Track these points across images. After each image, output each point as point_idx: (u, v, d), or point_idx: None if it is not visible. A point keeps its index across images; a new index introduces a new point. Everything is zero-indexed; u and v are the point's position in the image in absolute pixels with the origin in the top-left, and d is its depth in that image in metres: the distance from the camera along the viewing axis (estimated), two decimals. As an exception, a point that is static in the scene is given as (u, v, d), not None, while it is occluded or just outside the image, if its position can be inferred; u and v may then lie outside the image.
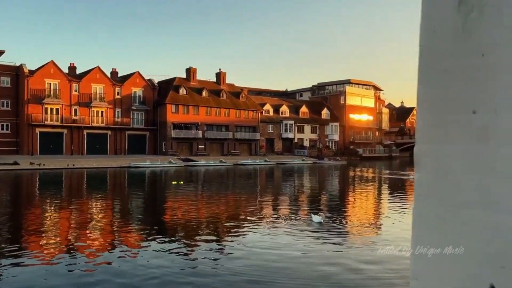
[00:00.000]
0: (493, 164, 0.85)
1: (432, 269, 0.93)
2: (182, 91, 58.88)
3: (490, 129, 0.86)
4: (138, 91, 58.14)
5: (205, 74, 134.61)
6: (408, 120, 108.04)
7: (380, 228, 13.22)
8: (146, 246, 10.28)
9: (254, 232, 11.96)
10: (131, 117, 57.43)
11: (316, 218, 13.14)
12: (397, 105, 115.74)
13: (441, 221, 0.92)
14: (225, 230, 12.51)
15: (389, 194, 24.13)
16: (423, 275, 0.95)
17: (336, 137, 74.69)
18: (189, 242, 10.83)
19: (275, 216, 14.74)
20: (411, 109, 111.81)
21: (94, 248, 10.14)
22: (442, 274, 0.92)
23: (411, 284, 0.96)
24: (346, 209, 17.39)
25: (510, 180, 0.82)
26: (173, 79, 61.14)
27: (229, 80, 68.80)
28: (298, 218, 14.22)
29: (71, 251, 9.77)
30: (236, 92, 65.38)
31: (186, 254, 9.58)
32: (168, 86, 59.69)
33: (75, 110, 53.49)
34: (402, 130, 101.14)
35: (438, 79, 0.94)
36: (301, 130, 71.58)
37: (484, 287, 0.85)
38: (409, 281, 0.96)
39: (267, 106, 68.69)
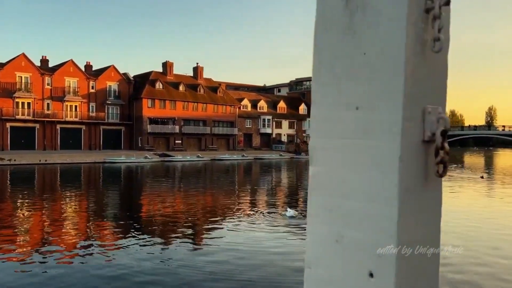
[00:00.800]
0: (373, 158, 0.89)
1: (322, 258, 0.97)
2: (159, 85, 58.10)
3: (371, 124, 0.89)
4: (113, 85, 57.05)
5: (182, 69, 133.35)
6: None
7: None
8: (120, 244, 10.12)
9: (228, 228, 11.92)
10: (106, 111, 56.35)
11: (289, 213, 13.19)
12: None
13: (329, 213, 0.96)
14: (199, 226, 12.43)
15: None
16: (315, 264, 0.98)
17: (313, 132, 75.12)
18: (162, 238, 10.71)
19: (251, 211, 14.73)
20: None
21: (64, 246, 9.90)
22: (330, 262, 0.95)
23: (305, 273, 0.99)
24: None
25: (388, 174, 0.86)
26: (149, 73, 60.25)
27: (207, 75, 68.47)
28: (273, 212, 14.25)
29: (41, 249, 9.51)
30: (213, 87, 64.97)
31: (158, 251, 9.46)
32: (144, 80, 58.79)
33: (48, 104, 52.10)
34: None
35: (327, 76, 0.97)
36: (279, 125, 71.81)
37: (364, 274, 0.89)
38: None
39: (245, 101, 68.56)
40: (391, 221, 0.86)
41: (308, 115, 75.56)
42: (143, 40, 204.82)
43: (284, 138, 71.65)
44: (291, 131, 73.57)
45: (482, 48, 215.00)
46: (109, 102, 56.37)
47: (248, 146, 66.34)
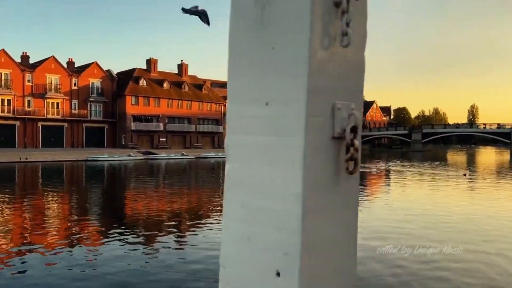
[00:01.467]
0: (281, 154, 0.88)
1: (235, 257, 0.96)
2: (143, 82, 57.45)
3: (279, 120, 0.88)
4: (96, 82, 56.22)
5: (167, 66, 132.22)
6: (368, 113, 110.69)
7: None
8: (103, 243, 9.96)
9: (211, 229, 11.77)
10: (88, 109, 55.51)
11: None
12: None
13: (242, 211, 0.94)
14: (181, 225, 12.24)
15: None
16: (229, 263, 0.97)
17: (298, 130, 75.43)
18: (144, 237, 10.49)
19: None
20: (371, 102, 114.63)
21: (43, 245, 9.62)
22: (242, 261, 0.94)
23: (220, 272, 0.98)
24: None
25: (294, 170, 0.85)
26: (133, 70, 59.54)
27: (192, 72, 67.94)
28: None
29: (22, 250, 9.22)
30: (198, 84, 64.55)
31: (140, 250, 9.27)
32: (127, 77, 58.07)
33: (29, 101, 51.06)
34: (363, 123, 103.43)
35: (240, 71, 0.96)
36: (264, 123, 71.82)
37: (272, 274, 0.88)
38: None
39: (230, 99, 68.23)
40: (296, 219, 0.84)
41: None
42: (127, 36, 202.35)
43: (269, 136, 71.69)
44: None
45: (465, 47, 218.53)
46: (92, 99, 55.54)
47: (233, 144, 66.14)
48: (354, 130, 0.87)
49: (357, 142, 0.88)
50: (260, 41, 0.92)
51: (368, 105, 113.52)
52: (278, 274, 0.87)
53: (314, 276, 0.86)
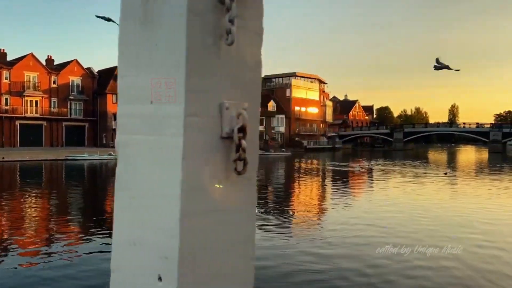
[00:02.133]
0: (163, 155, 0.86)
1: (123, 261, 0.93)
2: (124, 80, 56.68)
3: (161, 120, 0.86)
4: (76, 80, 55.26)
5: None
6: (351, 112, 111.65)
7: (321, 219, 13.37)
8: (82, 243, 9.86)
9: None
10: (68, 107, 54.53)
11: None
12: (342, 98, 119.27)
13: (129, 213, 0.92)
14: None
15: (332, 185, 24.64)
16: (117, 268, 0.95)
17: (282, 129, 75.59)
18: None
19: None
20: (354, 102, 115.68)
21: (21, 247, 9.35)
22: (129, 266, 0.91)
23: (111, 277, 0.95)
24: (289, 201, 17.48)
25: (173, 171, 0.82)
26: (115, 67, 58.61)
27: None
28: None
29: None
30: (181, 83, 64.10)
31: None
32: (109, 75, 57.19)
33: (6, 99, 49.88)
34: (345, 122, 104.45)
35: (128, 69, 0.94)
36: (247, 122, 71.66)
37: (154, 278, 0.85)
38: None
39: (213, 98, 67.96)
40: (175, 222, 0.81)
41: (277, 111, 75.85)
42: (108, 33, 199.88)
43: (253, 135, 71.56)
44: (260, 128, 73.51)
45: (446, 48, 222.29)
46: (72, 98, 54.58)
47: (216, 143, 65.87)
48: (242, 130, 0.85)
49: (245, 143, 0.85)
50: (145, 38, 0.90)
51: (350, 104, 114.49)
52: (160, 279, 0.84)
53: (195, 281, 0.84)
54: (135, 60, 0.92)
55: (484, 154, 68.82)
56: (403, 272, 7.72)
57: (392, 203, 15.98)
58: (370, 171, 30.49)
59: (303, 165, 39.81)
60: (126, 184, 0.94)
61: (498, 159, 52.29)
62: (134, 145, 0.92)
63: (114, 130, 42.42)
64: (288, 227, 11.75)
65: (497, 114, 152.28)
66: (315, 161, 45.13)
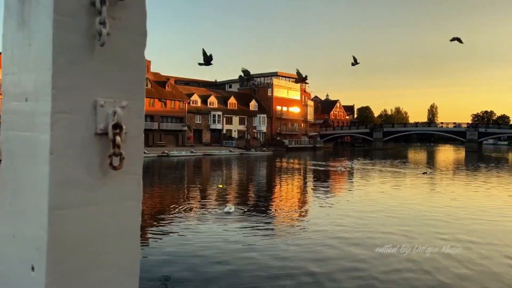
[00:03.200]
0: (35, 151, 0.88)
1: (5, 253, 0.95)
2: (103, 79, 55.86)
3: (35, 117, 0.88)
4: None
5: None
6: (332, 112, 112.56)
7: (302, 218, 13.41)
8: None
9: (176, 226, 11.53)
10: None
11: (226, 208, 13.07)
12: (323, 97, 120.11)
13: (10, 208, 0.95)
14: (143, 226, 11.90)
15: (313, 185, 24.73)
16: (1, 260, 0.97)
17: (263, 128, 75.68)
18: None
19: (190, 208, 14.37)
20: (336, 101, 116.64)
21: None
22: (10, 257, 0.94)
23: None
24: (268, 200, 17.47)
25: (43, 167, 0.85)
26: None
27: (155, 69, 66.74)
28: (214, 209, 14.00)
29: None
30: (162, 81, 63.46)
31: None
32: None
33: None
34: (327, 121, 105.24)
35: (8, 67, 0.97)
36: (229, 121, 71.49)
37: (28, 268, 0.88)
38: None
39: (195, 97, 67.56)
40: (44, 215, 0.83)
41: (259, 111, 75.90)
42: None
43: (234, 134, 71.46)
44: (242, 127, 73.51)
45: (426, 48, 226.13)
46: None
47: (198, 142, 65.51)
48: (117, 127, 0.87)
49: (119, 139, 0.87)
50: (21, 37, 0.92)
51: (332, 104, 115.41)
52: (32, 269, 0.87)
53: (66, 271, 0.86)
54: (14, 59, 0.95)
55: (461, 154, 70.27)
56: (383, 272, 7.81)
57: (369, 203, 16.16)
58: (351, 171, 30.69)
59: (284, 165, 39.91)
60: (7, 180, 0.96)
61: (474, 158, 53.45)
62: (13, 141, 0.95)
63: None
64: (264, 228, 11.74)
65: (474, 114, 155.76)
66: (296, 161, 45.31)
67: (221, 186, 21.25)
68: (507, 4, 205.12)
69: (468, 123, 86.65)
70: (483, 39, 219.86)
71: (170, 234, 10.64)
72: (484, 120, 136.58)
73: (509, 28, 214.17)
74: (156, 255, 8.59)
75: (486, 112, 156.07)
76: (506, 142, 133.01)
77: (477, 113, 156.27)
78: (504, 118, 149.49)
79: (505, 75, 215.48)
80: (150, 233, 10.73)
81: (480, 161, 47.14)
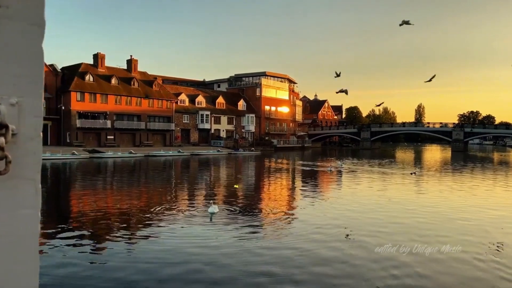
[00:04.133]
0: None
1: None
2: (89, 78, 55.13)
3: None
4: (38, 76, 53.19)
5: (116, 62, 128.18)
6: (320, 112, 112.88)
7: (290, 218, 13.24)
8: (51, 244, 9.38)
9: (163, 226, 11.28)
10: (30, 105, 52.45)
11: (211, 209, 12.84)
12: (312, 97, 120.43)
13: None
14: (131, 228, 11.63)
15: (302, 185, 24.61)
16: None
17: (252, 128, 75.56)
18: (90, 242, 9.82)
19: (175, 209, 14.11)
20: (324, 101, 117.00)
21: None
22: None
23: None
24: (254, 201, 17.29)
25: None
26: (79, 65, 57.00)
27: (144, 68, 66.24)
28: (199, 209, 13.78)
29: None
30: (149, 81, 62.86)
31: (86, 256, 8.64)
32: (73, 72, 55.53)
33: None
34: (315, 121, 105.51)
35: None
36: (217, 121, 71.18)
37: None
38: None
39: (183, 96, 67.11)
40: None
41: (248, 111, 75.78)
42: (72, 30, 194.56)
43: (223, 134, 71.19)
44: (230, 127, 73.28)
45: (414, 48, 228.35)
46: (34, 95, 52.49)
47: (186, 142, 65.07)
48: (1, 126, 0.79)
49: (3, 140, 0.79)
50: None
51: (320, 104, 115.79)
52: None
53: None
54: None
55: (448, 153, 71.00)
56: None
57: (358, 204, 16.09)
58: (341, 171, 30.60)
59: (272, 165, 39.77)
60: None
61: (460, 158, 54.00)
62: None
63: (79, 128, 41.10)
64: (250, 228, 11.56)
65: (460, 114, 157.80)
66: (284, 161, 45.23)
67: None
68: (493, 6, 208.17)
69: (454, 123, 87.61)
70: (471, 40, 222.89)
71: (147, 237, 10.39)
72: (470, 120, 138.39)
73: (496, 29, 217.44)
74: (119, 260, 8.29)
75: (472, 112, 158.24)
76: (491, 142, 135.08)
77: (464, 113, 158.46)
78: (489, 118, 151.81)
79: (491, 75, 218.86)
80: (118, 235, 10.48)
81: (466, 161, 47.60)
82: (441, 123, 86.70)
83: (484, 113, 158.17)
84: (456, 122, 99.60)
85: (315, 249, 9.11)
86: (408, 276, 7.48)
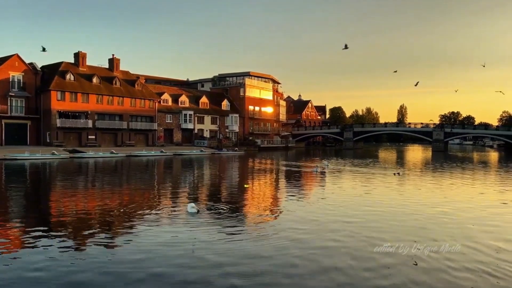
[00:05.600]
0: None
1: None
2: (70, 77, 54.21)
3: None
4: (17, 75, 52.13)
5: (98, 61, 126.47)
6: (304, 112, 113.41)
7: (272, 217, 13.22)
8: (28, 247, 9.14)
9: (146, 227, 11.12)
10: (8, 104, 51.34)
11: (190, 209, 12.73)
12: (296, 97, 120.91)
13: None
14: (111, 230, 11.44)
15: (286, 186, 24.61)
16: None
17: (236, 128, 75.48)
18: (69, 243, 9.60)
19: (156, 209, 13.96)
20: (307, 102, 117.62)
21: None
22: None
23: None
24: (235, 201, 17.23)
25: None
26: (59, 63, 56.02)
27: (127, 68, 65.46)
28: (179, 209, 13.65)
29: None
30: (131, 80, 62.17)
31: (64, 258, 8.44)
32: (53, 71, 54.54)
33: None
34: (299, 121, 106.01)
35: None
36: (201, 120, 70.87)
37: None
38: None
39: (166, 96, 66.59)
40: None
41: (231, 111, 75.64)
42: (53, 28, 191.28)
43: (206, 134, 70.91)
44: (214, 127, 73.05)
45: (396, 49, 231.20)
46: (13, 94, 51.42)
47: (169, 142, 64.58)
48: None
49: None
50: None
51: (304, 104, 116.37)
52: None
53: None
54: None
55: (429, 153, 72.13)
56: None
57: (342, 205, 16.19)
58: (324, 172, 30.63)
59: (256, 165, 39.73)
60: None
61: (440, 158, 54.92)
62: None
63: (59, 128, 40.57)
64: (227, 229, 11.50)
65: (441, 115, 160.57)
66: (268, 161, 45.25)
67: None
68: (473, 9, 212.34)
69: (435, 124, 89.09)
70: (452, 41, 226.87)
71: (127, 239, 10.25)
72: (451, 121, 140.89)
73: (475, 32, 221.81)
74: (97, 262, 8.04)
75: (453, 113, 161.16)
76: (471, 142, 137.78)
77: (445, 113, 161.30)
78: (469, 118, 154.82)
79: (472, 77, 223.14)
80: (97, 237, 10.31)
81: (446, 161, 48.41)
82: (422, 123, 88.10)
83: (464, 113, 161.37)
84: (438, 122, 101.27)
85: (300, 251, 9.10)
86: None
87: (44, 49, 48.91)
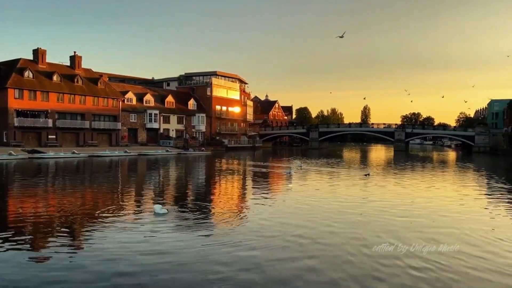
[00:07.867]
0: None
1: None
2: (28, 74, 52.02)
3: None
4: (-30, 71, 49.47)
5: (59, 58, 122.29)
6: (271, 112, 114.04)
7: (239, 218, 13.12)
8: None
9: (106, 229, 10.73)
10: (-39, 102, 48.68)
11: (157, 209, 12.49)
12: (263, 98, 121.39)
13: None
14: (67, 233, 10.97)
15: (253, 186, 24.57)
16: None
17: (203, 128, 74.87)
18: (27, 247, 9.12)
19: (121, 210, 13.57)
20: (274, 102, 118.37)
21: None
22: None
23: None
24: (198, 202, 17.02)
25: None
26: (17, 60, 53.65)
27: (89, 65, 63.53)
28: (145, 210, 13.34)
29: None
30: (93, 78, 60.39)
31: (23, 261, 8.00)
32: (10, 68, 52.16)
33: None
34: (266, 121, 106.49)
35: None
36: (167, 120, 69.80)
37: None
38: None
39: (130, 94, 65.13)
40: None
41: (198, 110, 74.96)
42: (11, 23, 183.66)
43: (172, 134, 69.90)
44: (180, 127, 72.11)
45: (360, 51, 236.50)
46: (-35, 91, 48.79)
47: (133, 142, 63.22)
48: None
49: None
50: None
51: (271, 104, 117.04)
52: None
53: None
54: None
55: (391, 153, 74.24)
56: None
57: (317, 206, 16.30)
58: (291, 175, 30.81)
59: (223, 165, 39.50)
60: None
61: (402, 157, 56.66)
62: None
63: (17, 127, 38.78)
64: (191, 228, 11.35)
65: (403, 115, 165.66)
66: (235, 161, 45.11)
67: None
68: (436, 12, 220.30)
69: (397, 124, 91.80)
70: (413, 44, 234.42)
71: (89, 243, 9.90)
72: (412, 121, 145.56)
73: (436, 35, 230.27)
74: (58, 269, 7.74)
75: (414, 113, 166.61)
76: (431, 142, 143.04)
77: (406, 114, 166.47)
78: (429, 119, 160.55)
79: (432, 78, 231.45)
80: (58, 241, 9.92)
81: (407, 160, 49.95)
82: (384, 124, 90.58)
83: (424, 114, 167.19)
84: (400, 123, 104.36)
85: (270, 253, 9.08)
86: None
87: None
